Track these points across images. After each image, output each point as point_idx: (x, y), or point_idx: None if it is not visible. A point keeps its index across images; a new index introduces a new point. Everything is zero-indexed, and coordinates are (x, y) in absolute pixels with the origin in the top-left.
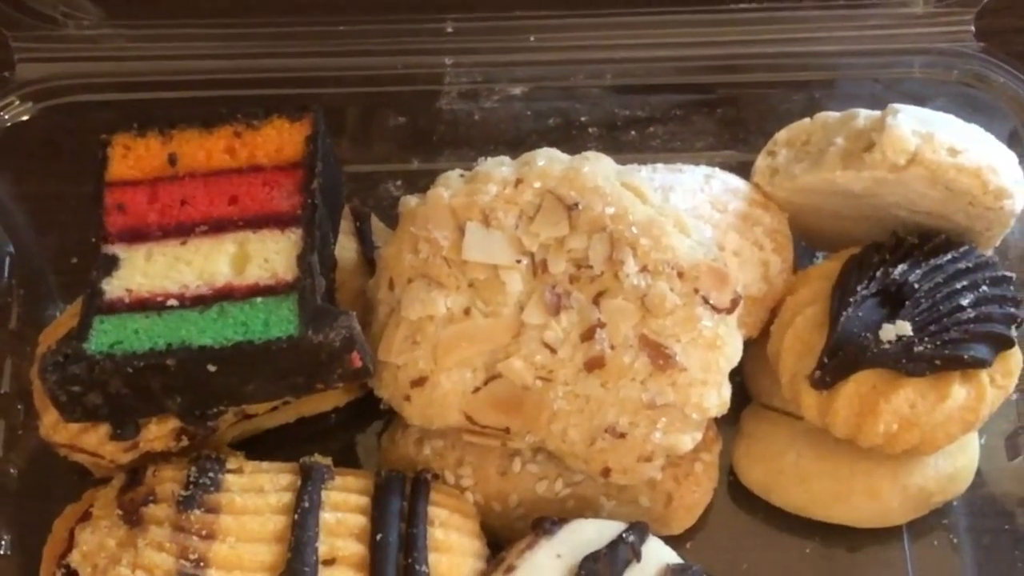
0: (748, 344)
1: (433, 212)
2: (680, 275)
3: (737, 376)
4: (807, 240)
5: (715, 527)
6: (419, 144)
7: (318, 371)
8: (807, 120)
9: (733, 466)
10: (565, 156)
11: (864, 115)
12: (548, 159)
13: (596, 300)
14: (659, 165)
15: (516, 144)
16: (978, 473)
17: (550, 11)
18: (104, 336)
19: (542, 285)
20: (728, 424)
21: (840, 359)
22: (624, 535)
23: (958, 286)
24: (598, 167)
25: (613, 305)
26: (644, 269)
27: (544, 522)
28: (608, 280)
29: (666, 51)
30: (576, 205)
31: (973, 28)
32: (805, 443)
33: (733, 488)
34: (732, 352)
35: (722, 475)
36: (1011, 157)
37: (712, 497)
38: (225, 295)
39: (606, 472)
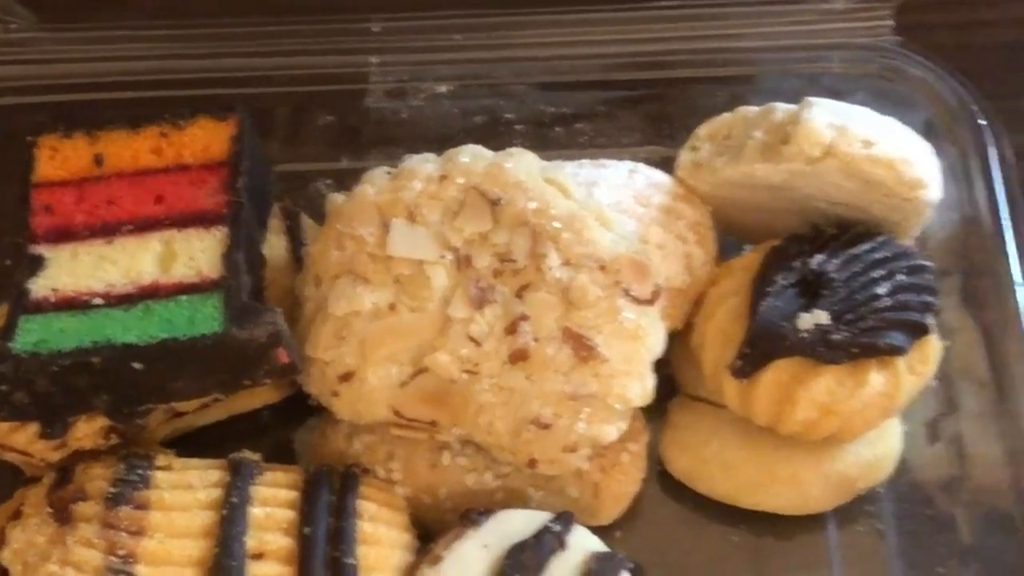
0: (674, 336)
1: (358, 209)
2: (602, 268)
3: (666, 367)
4: (731, 232)
5: (644, 517)
6: (348, 143)
7: (244, 368)
8: (728, 114)
9: (660, 456)
10: (489, 152)
11: (782, 109)
12: (472, 155)
13: (520, 294)
14: (584, 161)
15: (444, 142)
16: (902, 460)
17: (476, 10)
18: (29, 335)
19: (466, 280)
20: (657, 415)
21: (759, 348)
22: (550, 525)
23: (875, 275)
24: (521, 163)
25: (536, 298)
26: (566, 262)
27: (471, 513)
28: (531, 274)
29: (591, 48)
30: (499, 200)
31: (892, 23)
32: (729, 432)
33: (662, 478)
34: (654, 343)
35: (651, 465)
36: (926, 148)
37: (641, 487)
38: (150, 293)
39: (532, 463)
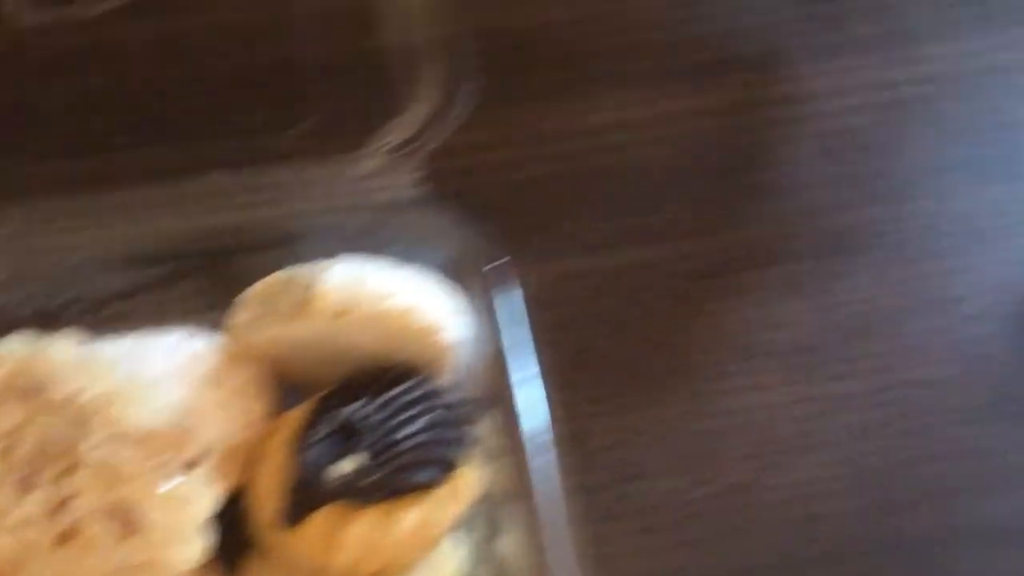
0: (238, 493)
1: None
2: (143, 440)
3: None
4: (292, 384)
5: None
6: None
7: None
8: (271, 277)
9: None
10: (30, 341)
11: (312, 269)
12: (11, 346)
13: (64, 476)
14: (135, 336)
15: None
16: None
17: (12, 202)
18: None
19: (9, 468)
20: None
21: (300, 498)
22: None
23: (409, 415)
24: (60, 347)
25: (79, 479)
26: (107, 439)
27: None
28: (74, 455)
29: (141, 226)
30: (38, 387)
31: (419, 175)
32: None
33: None
34: (201, 506)
35: None
36: (442, 293)
37: None
38: None
39: None
